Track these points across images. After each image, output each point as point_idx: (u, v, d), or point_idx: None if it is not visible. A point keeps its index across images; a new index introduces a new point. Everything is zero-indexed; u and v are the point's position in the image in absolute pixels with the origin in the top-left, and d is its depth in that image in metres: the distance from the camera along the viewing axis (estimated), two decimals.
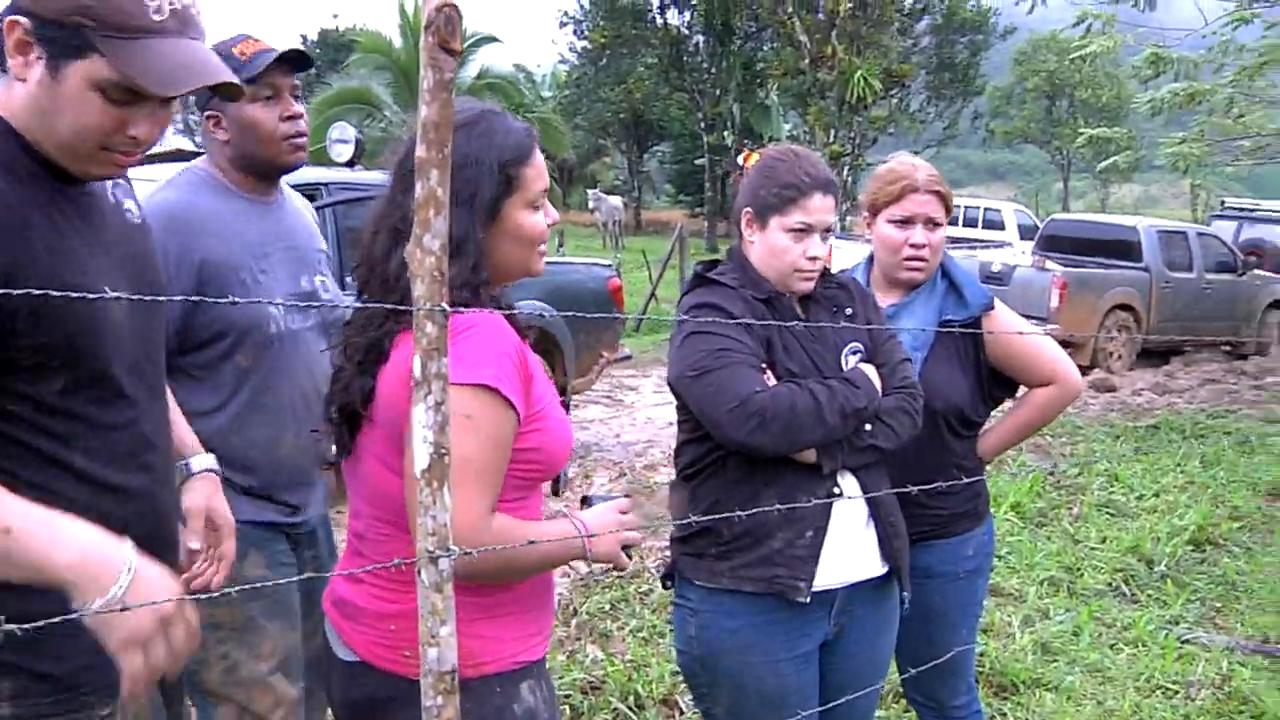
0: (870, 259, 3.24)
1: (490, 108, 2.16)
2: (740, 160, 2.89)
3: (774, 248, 2.65)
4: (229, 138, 2.83)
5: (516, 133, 2.11)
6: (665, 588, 2.88)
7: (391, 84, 34.65)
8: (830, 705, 2.74)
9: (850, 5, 26.38)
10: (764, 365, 2.58)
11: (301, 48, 2.98)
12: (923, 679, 3.19)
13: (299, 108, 2.86)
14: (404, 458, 1.93)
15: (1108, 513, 7.56)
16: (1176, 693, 4.80)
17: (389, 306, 1.97)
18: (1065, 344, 12.57)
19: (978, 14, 35.74)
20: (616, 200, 37.51)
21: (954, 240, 21.13)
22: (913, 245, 3.03)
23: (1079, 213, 27.34)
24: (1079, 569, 6.30)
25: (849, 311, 2.76)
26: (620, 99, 39.38)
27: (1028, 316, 14.08)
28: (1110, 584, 6.13)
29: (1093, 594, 5.94)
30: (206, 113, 2.84)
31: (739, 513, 2.40)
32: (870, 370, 2.66)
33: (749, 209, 2.70)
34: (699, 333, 2.58)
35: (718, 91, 35.24)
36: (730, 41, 32.03)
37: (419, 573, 1.47)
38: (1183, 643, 5.35)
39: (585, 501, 2.25)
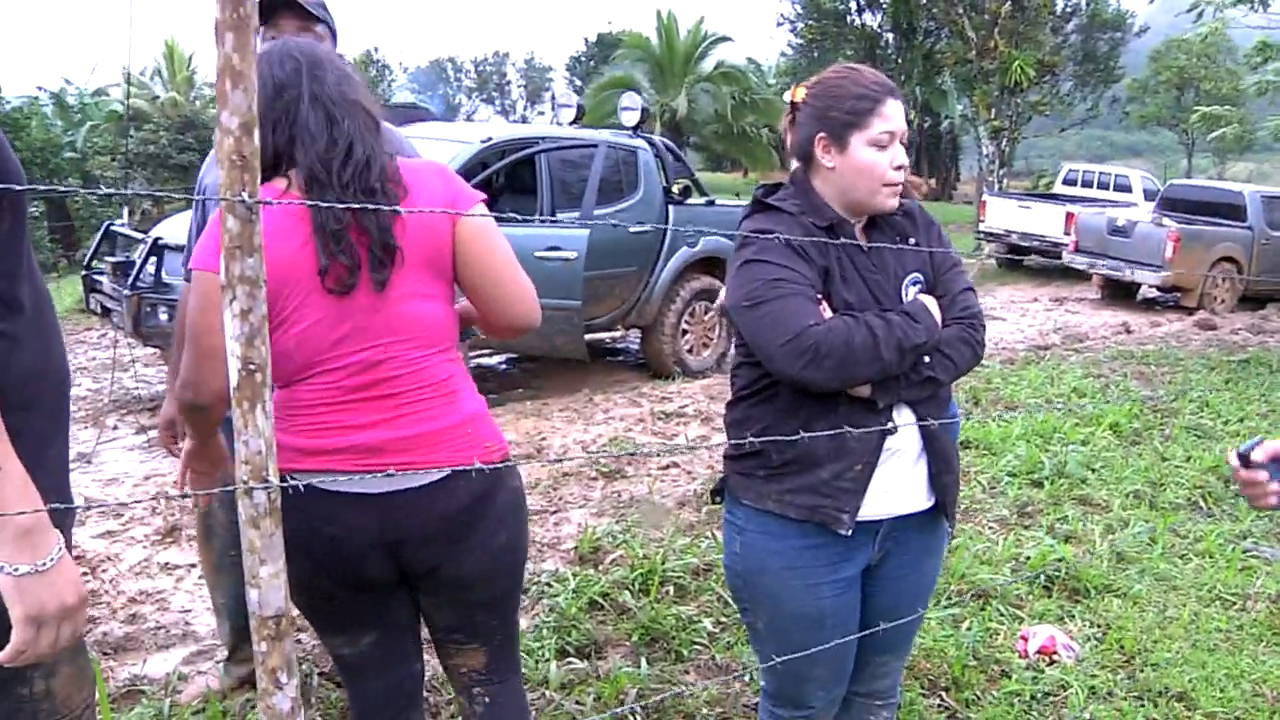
0: None
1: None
2: (787, 96, 2.08)
3: (859, 166, 1.93)
4: None
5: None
6: (714, 502, 2.22)
7: (648, 72, 34.73)
8: (873, 629, 2.11)
9: (1010, 6, 25.02)
10: (820, 296, 1.92)
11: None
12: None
13: None
14: (445, 282, 1.81)
15: (1195, 435, 6.52)
16: (1234, 603, 4.01)
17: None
18: (1176, 288, 11.43)
19: (1117, 15, 34.04)
20: None
21: (1088, 200, 19.64)
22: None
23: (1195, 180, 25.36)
24: (1163, 484, 5.40)
25: (911, 240, 2.04)
26: None
27: (1146, 265, 12.83)
28: (1189, 499, 5.23)
29: (1172, 507, 5.07)
30: None
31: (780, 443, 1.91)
32: (931, 302, 1.97)
33: (823, 134, 1.96)
34: (755, 261, 1.91)
35: (903, 78, 33.28)
36: (913, 37, 30.43)
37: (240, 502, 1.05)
38: (1247, 555, 4.58)
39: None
